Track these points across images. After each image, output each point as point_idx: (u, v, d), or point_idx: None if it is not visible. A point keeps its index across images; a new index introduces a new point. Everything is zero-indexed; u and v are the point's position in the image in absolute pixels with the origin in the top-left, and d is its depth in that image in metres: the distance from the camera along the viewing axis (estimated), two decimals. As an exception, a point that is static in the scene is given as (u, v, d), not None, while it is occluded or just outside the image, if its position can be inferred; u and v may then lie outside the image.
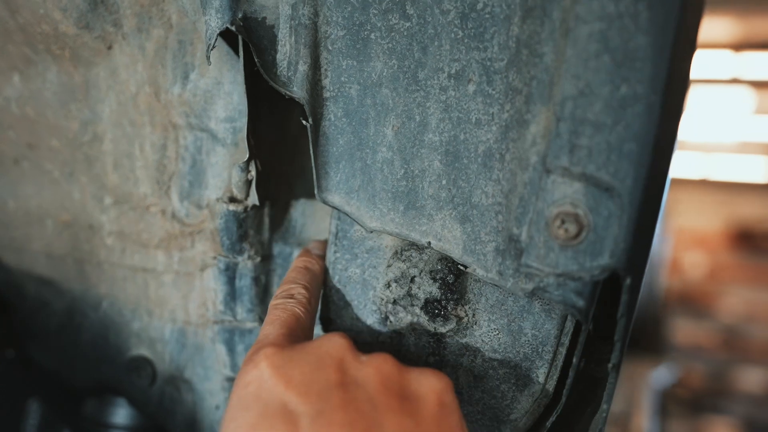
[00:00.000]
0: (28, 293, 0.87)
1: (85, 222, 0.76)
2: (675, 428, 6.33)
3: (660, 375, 5.76)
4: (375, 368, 0.50)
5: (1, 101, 0.73)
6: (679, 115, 0.51)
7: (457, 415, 0.50)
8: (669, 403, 6.42)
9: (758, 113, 7.23)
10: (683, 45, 0.48)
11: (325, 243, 0.67)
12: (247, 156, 0.62)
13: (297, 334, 0.54)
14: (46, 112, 0.71)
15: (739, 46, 5.66)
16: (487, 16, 0.54)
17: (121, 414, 0.83)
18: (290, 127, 0.73)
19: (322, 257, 0.65)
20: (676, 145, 0.52)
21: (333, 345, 0.51)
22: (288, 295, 0.58)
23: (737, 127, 7.38)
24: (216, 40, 0.59)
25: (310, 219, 0.73)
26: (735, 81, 6.36)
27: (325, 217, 0.73)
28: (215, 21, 0.58)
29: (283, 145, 0.72)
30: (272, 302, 0.58)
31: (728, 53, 5.76)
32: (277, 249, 0.72)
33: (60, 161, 0.74)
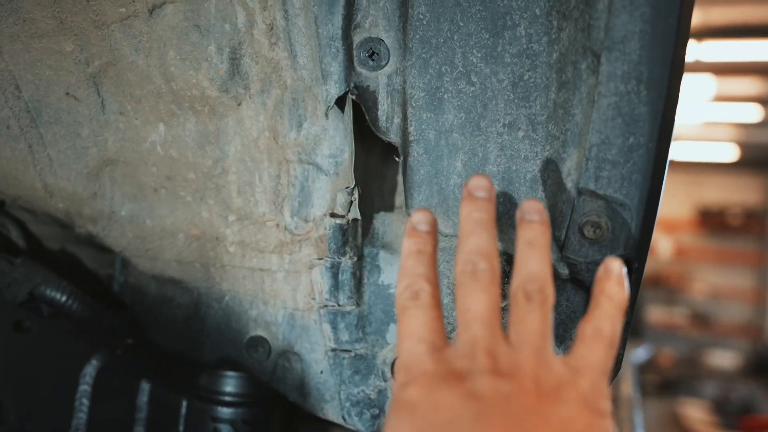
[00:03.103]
0: (149, 292, 1.09)
1: (212, 235, 0.98)
2: (650, 405, 6.68)
3: (638, 354, 6.12)
4: None
5: (148, 145, 0.95)
6: (667, 151, 0.75)
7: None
8: (644, 383, 6.77)
9: (717, 99, 7.62)
10: (671, 104, 0.72)
11: (430, 213, 0.71)
12: (353, 183, 0.85)
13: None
14: (187, 152, 0.93)
15: (699, 35, 5.99)
16: (531, 84, 0.78)
17: (231, 383, 1.05)
18: (371, 161, 0.96)
19: (431, 232, 0.69)
20: (666, 170, 0.76)
21: None
22: (414, 294, 0.65)
23: (700, 112, 7.78)
24: (334, 102, 0.82)
25: (388, 227, 0.96)
26: (697, 68, 6.70)
27: (399, 225, 0.96)
28: (334, 89, 0.81)
29: (368, 173, 0.95)
30: (402, 298, 0.65)
31: (691, 42, 6.08)
32: (366, 250, 0.95)
33: (193, 189, 0.96)
